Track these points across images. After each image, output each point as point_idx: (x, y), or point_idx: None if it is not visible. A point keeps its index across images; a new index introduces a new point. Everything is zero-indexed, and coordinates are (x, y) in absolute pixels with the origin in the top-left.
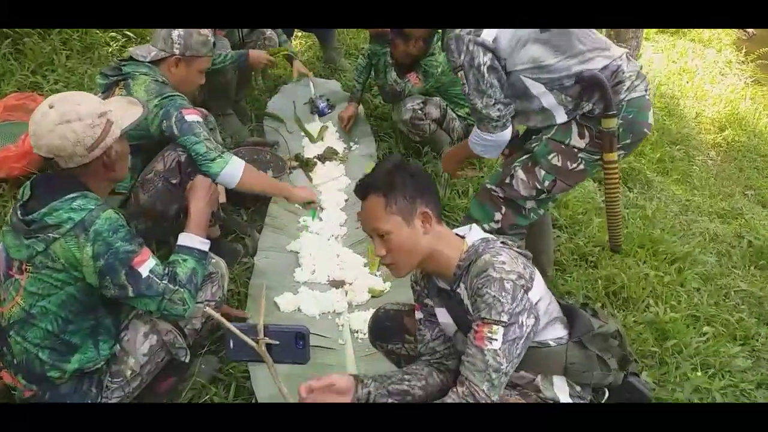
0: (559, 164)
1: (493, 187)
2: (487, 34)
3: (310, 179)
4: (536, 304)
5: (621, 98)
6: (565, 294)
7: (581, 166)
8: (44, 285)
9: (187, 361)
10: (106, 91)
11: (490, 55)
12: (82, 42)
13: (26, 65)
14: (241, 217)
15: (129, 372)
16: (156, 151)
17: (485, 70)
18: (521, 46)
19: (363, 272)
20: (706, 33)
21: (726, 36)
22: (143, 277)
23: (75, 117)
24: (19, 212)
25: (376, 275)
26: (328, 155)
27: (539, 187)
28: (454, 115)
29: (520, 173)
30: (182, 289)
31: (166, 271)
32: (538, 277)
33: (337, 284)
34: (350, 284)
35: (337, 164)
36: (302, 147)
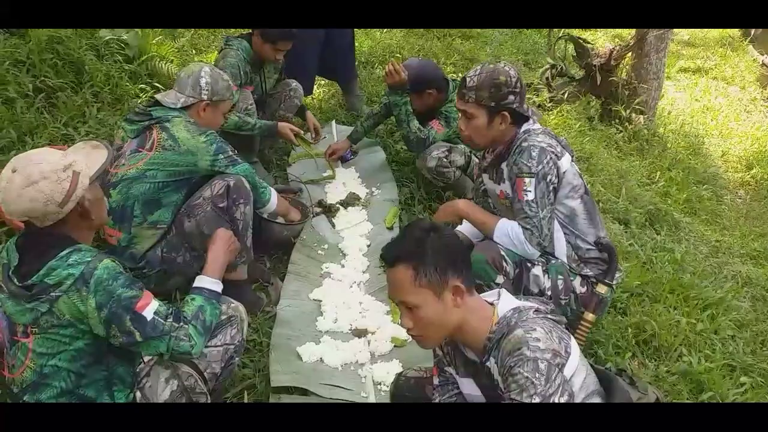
0: (560, 288)
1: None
2: (563, 163)
3: (333, 225)
4: (571, 378)
5: (616, 277)
6: (594, 343)
7: (564, 304)
8: (53, 343)
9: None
10: (139, 136)
11: (557, 180)
12: (113, 94)
13: (59, 118)
14: (265, 264)
15: None
16: (194, 189)
17: (552, 190)
18: (570, 193)
19: (386, 320)
20: (729, 71)
21: (749, 73)
22: (148, 320)
23: (39, 177)
24: (15, 279)
25: (399, 323)
26: (350, 201)
27: (542, 289)
28: (477, 161)
29: (536, 270)
30: (187, 326)
31: (170, 311)
32: (573, 346)
33: (360, 333)
34: (373, 333)
35: (359, 209)
36: (325, 193)
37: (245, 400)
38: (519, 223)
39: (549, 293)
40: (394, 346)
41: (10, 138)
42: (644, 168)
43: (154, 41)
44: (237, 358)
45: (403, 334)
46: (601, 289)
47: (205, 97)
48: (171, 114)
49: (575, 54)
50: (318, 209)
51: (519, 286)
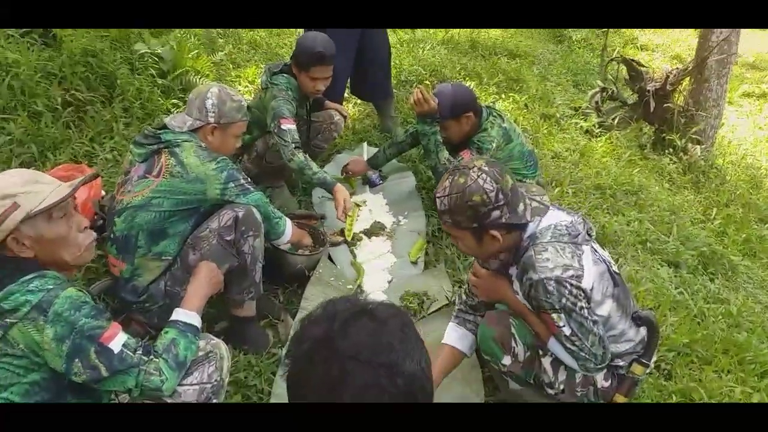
0: (577, 381)
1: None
2: (587, 281)
3: (354, 255)
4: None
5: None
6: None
7: (585, 398)
8: (6, 374)
9: None
10: (147, 160)
11: (587, 300)
12: (144, 109)
13: (86, 133)
14: (278, 298)
15: None
16: (203, 219)
17: (587, 313)
18: (603, 300)
19: None
20: None
21: None
22: (115, 352)
23: None
24: None
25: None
26: (374, 230)
27: (551, 383)
28: None
29: (546, 363)
30: (158, 359)
31: (139, 344)
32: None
33: None
34: None
35: (383, 240)
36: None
37: None
38: (568, 353)
39: (561, 387)
40: None
41: (31, 153)
42: (699, 203)
43: (189, 55)
44: (215, 400)
45: None
46: (637, 369)
47: (212, 120)
48: (181, 137)
49: (628, 77)
50: (339, 239)
51: (530, 371)
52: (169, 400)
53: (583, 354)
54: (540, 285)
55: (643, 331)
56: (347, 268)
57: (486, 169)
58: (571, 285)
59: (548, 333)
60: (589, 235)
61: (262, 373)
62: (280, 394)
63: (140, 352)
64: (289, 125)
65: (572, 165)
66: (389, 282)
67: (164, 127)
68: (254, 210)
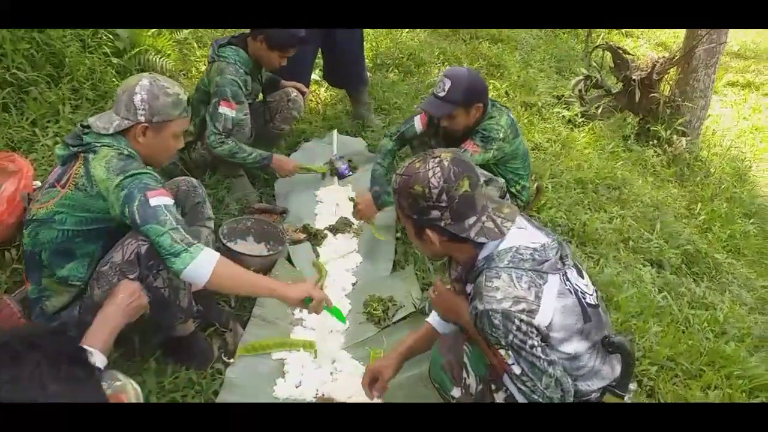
0: None
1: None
2: (543, 318)
3: (317, 254)
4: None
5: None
6: None
7: None
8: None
9: None
10: (65, 164)
11: (540, 337)
12: (95, 90)
13: (27, 116)
14: (229, 303)
15: None
16: (119, 237)
17: (540, 352)
18: (569, 337)
19: (359, 389)
20: None
21: None
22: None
23: None
24: None
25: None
26: (340, 227)
27: None
28: (508, 197)
29: (500, 399)
30: None
31: None
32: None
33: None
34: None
35: (350, 237)
36: (314, 215)
37: None
38: (521, 394)
39: None
40: None
41: None
42: (683, 197)
43: (149, 33)
44: None
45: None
46: (610, 400)
47: (143, 119)
48: (102, 141)
49: (613, 65)
50: (302, 235)
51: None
52: None
53: (536, 396)
54: (485, 317)
55: (617, 364)
56: (308, 269)
57: (445, 164)
58: (521, 321)
59: (504, 363)
60: (563, 261)
61: (203, 391)
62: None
63: None
64: (227, 110)
65: (553, 157)
66: (353, 285)
67: (88, 127)
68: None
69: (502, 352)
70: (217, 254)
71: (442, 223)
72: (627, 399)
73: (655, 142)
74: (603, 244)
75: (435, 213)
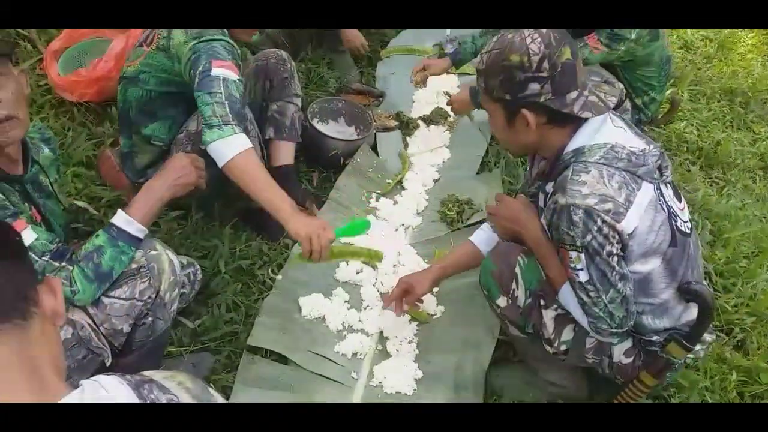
0: (587, 347)
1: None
2: (628, 224)
3: (406, 145)
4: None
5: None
6: (674, 388)
7: (599, 367)
8: None
9: (108, 363)
10: (150, 35)
11: (620, 247)
12: None
13: None
14: (311, 182)
15: None
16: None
17: (615, 261)
18: (647, 255)
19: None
20: None
21: None
22: None
23: None
24: None
25: (435, 293)
26: (435, 117)
27: (551, 339)
28: (629, 107)
29: (551, 317)
30: (72, 266)
31: (51, 248)
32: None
33: (382, 297)
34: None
35: (444, 130)
36: (411, 102)
37: (224, 350)
38: (579, 305)
39: (563, 347)
40: (413, 320)
41: None
42: None
43: None
44: (153, 318)
45: (429, 307)
46: (675, 350)
47: None
48: None
49: None
50: (393, 123)
51: (528, 321)
52: (92, 311)
53: (597, 310)
54: (564, 212)
55: (693, 310)
56: (392, 159)
57: (543, 31)
58: (604, 222)
59: (563, 280)
60: (661, 173)
61: (270, 262)
62: (279, 287)
63: (48, 257)
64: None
65: (704, 59)
66: (435, 181)
67: None
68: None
69: (573, 254)
70: (248, 145)
71: (542, 99)
72: (699, 351)
73: None
74: (735, 170)
75: (534, 86)
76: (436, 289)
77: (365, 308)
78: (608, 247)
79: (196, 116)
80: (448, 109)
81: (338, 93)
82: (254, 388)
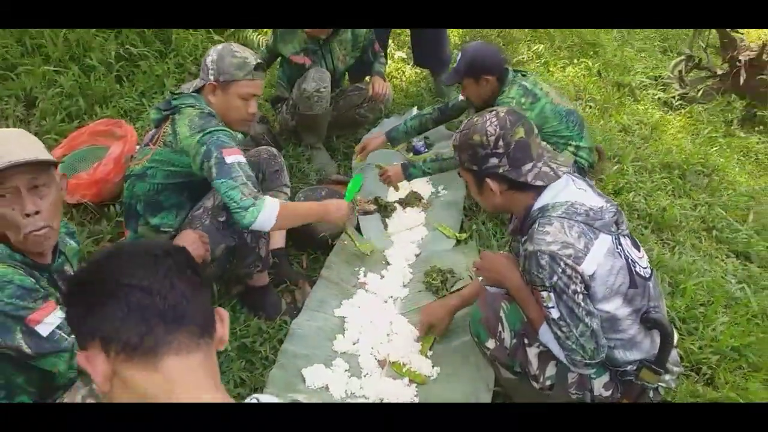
0: (569, 381)
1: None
2: (588, 267)
3: (386, 226)
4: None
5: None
6: None
7: (575, 398)
8: None
9: None
10: (158, 126)
11: (583, 285)
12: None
13: (137, 87)
14: (302, 264)
15: None
16: (206, 189)
17: (581, 299)
18: (610, 296)
19: (413, 349)
20: None
21: None
22: (44, 335)
23: None
24: None
25: (427, 356)
26: (410, 201)
27: (536, 375)
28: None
29: (534, 354)
30: None
31: None
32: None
33: (380, 363)
34: (392, 363)
35: (418, 211)
36: (387, 189)
37: None
38: (555, 340)
39: (548, 383)
40: (412, 382)
41: (78, 106)
42: None
43: None
44: None
45: (425, 370)
46: (647, 376)
47: (212, 78)
48: (186, 102)
49: (719, 44)
50: (372, 207)
51: (516, 360)
52: None
53: (570, 343)
54: (533, 257)
55: (658, 341)
56: (375, 238)
57: (501, 114)
58: (566, 264)
59: (541, 320)
60: (617, 226)
61: (270, 339)
62: (282, 363)
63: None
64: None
65: (641, 140)
66: (416, 256)
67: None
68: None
69: (544, 294)
70: (278, 201)
71: (501, 170)
72: (670, 381)
73: (761, 128)
74: (682, 232)
75: (493, 160)
76: (430, 353)
77: (365, 375)
78: (573, 286)
79: (212, 194)
80: (420, 192)
81: (319, 183)
82: None
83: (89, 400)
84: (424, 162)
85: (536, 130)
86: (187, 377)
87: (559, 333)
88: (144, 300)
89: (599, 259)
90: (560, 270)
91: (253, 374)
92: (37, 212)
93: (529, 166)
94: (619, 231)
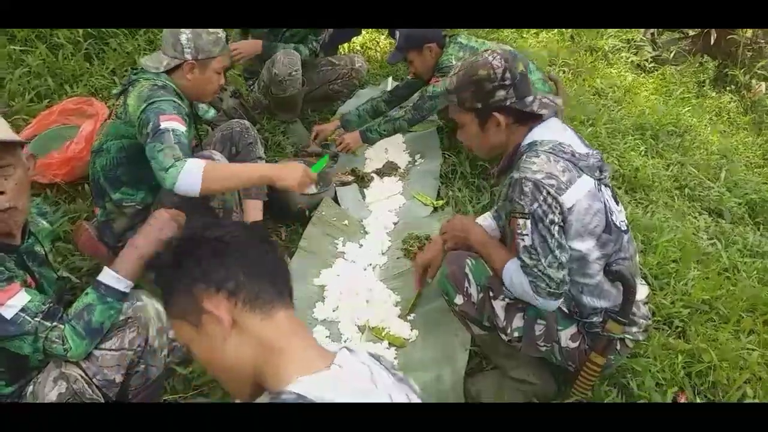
0: (536, 333)
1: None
2: (569, 198)
3: (364, 196)
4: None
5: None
6: (629, 372)
7: (551, 355)
8: None
9: None
10: (111, 109)
11: (561, 217)
12: None
13: (107, 65)
14: (280, 236)
15: None
16: None
17: (556, 230)
18: (583, 235)
19: (392, 314)
20: None
21: None
22: (7, 317)
23: None
24: None
25: (408, 319)
26: (387, 170)
27: (504, 328)
28: None
29: (500, 306)
30: (64, 325)
31: (44, 308)
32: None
33: (360, 329)
34: (372, 328)
35: (396, 180)
36: (364, 160)
37: (217, 393)
38: (523, 273)
39: (516, 334)
40: (391, 345)
41: (48, 86)
42: (758, 146)
43: None
44: (145, 365)
45: (406, 332)
46: (613, 327)
47: (189, 57)
48: (144, 76)
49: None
50: (350, 177)
51: (483, 314)
52: (84, 364)
53: (536, 271)
54: (517, 184)
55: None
56: (353, 208)
57: (498, 51)
58: (548, 193)
59: (502, 265)
60: (600, 172)
61: None
62: None
63: (40, 318)
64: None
65: (614, 103)
66: (394, 224)
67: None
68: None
69: (521, 221)
70: (203, 161)
71: (508, 102)
72: (637, 333)
73: (733, 87)
74: (655, 191)
75: (501, 93)
76: (410, 317)
77: (345, 341)
78: (551, 216)
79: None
80: (397, 161)
81: (296, 156)
82: None
83: (61, 382)
84: (378, 124)
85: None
86: (291, 326)
87: (527, 260)
88: (260, 263)
89: (579, 195)
90: (542, 198)
91: None
92: (1, 193)
93: (531, 98)
94: (602, 177)
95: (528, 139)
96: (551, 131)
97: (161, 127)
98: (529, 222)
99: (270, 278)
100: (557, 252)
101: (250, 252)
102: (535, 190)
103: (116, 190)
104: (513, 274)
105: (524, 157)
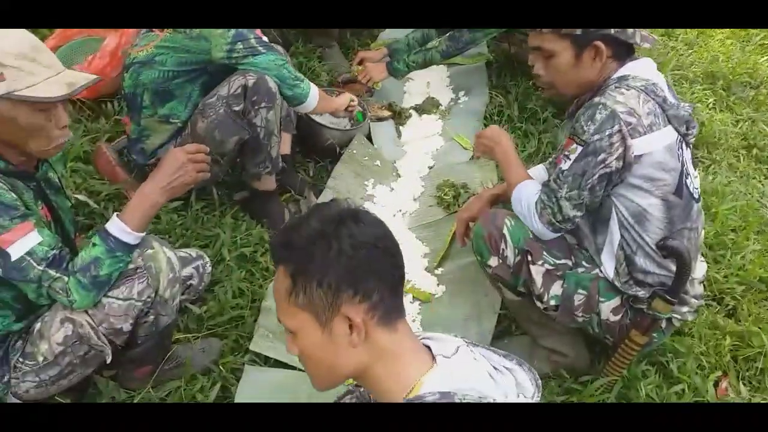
0: (575, 303)
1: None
2: (640, 144)
3: (399, 134)
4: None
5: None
6: (670, 352)
7: (589, 326)
8: None
9: (108, 361)
10: None
11: (620, 164)
12: None
13: None
14: (308, 172)
15: (41, 358)
16: (222, 79)
17: (599, 174)
18: (649, 190)
19: (418, 266)
20: None
21: None
22: (13, 258)
23: None
24: None
25: (435, 273)
26: (427, 107)
27: (540, 295)
28: None
29: (539, 272)
30: (68, 277)
31: (50, 255)
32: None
33: None
34: None
35: (435, 119)
36: (403, 93)
37: (231, 335)
38: (540, 191)
39: (552, 303)
40: (416, 299)
41: None
42: None
43: None
44: (154, 316)
45: (432, 287)
46: (659, 306)
47: None
48: None
49: None
50: (386, 113)
51: (519, 277)
52: (91, 311)
53: (552, 198)
54: (594, 107)
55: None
56: (387, 148)
57: None
58: (619, 131)
59: (517, 181)
60: (687, 129)
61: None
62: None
63: (44, 265)
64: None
65: (685, 45)
66: (429, 168)
67: None
68: (268, 78)
69: (573, 146)
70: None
71: (612, 31)
72: (687, 313)
73: None
74: (720, 150)
75: None
76: (438, 270)
77: None
78: (605, 155)
79: (227, 82)
80: (438, 97)
81: (330, 85)
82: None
83: (67, 325)
84: (408, 55)
85: None
86: (408, 334)
87: (552, 184)
88: (396, 275)
89: (655, 146)
90: (609, 132)
91: (252, 284)
92: (64, 125)
93: (631, 30)
94: (688, 134)
95: (620, 72)
96: (646, 70)
97: (265, 39)
98: (580, 149)
99: (399, 290)
100: (585, 192)
101: (391, 262)
102: (608, 121)
103: (165, 104)
104: (524, 190)
105: (614, 86)
